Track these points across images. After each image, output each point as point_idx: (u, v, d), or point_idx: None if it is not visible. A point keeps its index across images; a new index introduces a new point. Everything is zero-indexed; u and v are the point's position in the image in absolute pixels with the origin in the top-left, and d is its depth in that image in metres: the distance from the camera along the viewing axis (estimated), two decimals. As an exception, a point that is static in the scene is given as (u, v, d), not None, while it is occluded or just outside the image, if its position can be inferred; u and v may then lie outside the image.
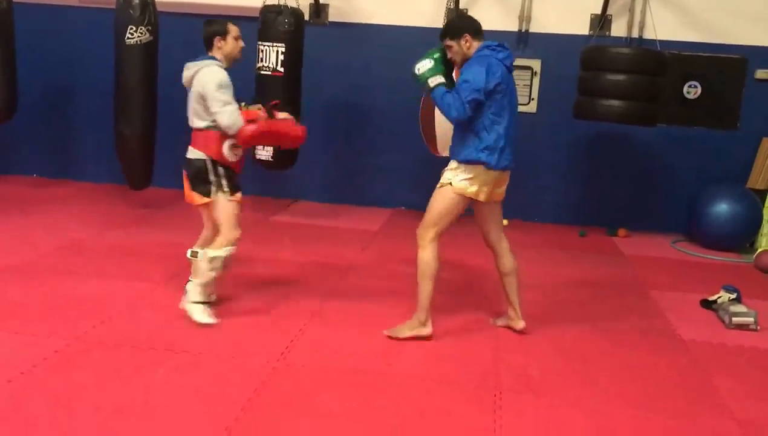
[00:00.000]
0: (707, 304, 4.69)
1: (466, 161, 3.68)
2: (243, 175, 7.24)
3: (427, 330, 3.83)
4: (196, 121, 3.85)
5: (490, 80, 3.59)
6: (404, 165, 7.12)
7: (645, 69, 5.89)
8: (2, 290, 4.22)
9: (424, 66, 3.72)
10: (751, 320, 4.35)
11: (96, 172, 7.60)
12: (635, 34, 6.79)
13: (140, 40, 5.88)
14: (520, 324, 4.02)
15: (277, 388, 3.20)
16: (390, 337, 3.81)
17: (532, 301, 4.66)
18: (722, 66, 6.74)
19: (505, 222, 6.83)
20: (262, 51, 6.04)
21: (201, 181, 3.82)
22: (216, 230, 3.94)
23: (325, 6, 7.08)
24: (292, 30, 6.01)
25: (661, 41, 6.33)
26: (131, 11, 5.85)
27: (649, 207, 7.08)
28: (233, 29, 3.87)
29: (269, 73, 6.02)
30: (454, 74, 3.87)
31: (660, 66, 6.00)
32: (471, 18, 3.90)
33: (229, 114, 3.71)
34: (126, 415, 2.87)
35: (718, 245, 6.35)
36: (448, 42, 3.77)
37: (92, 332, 3.67)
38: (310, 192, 7.46)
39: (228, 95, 3.74)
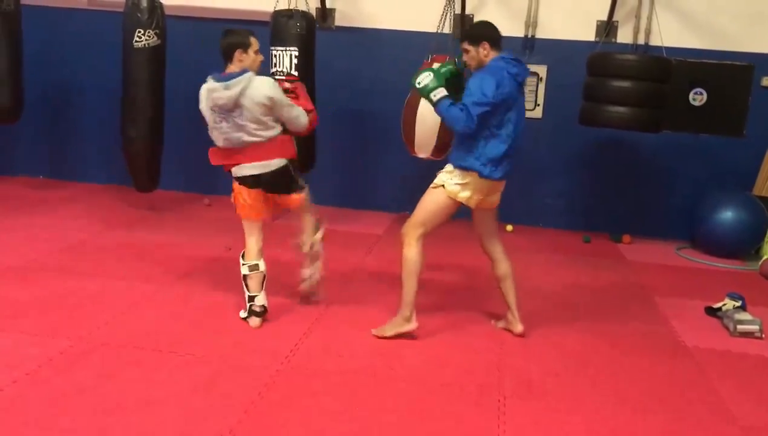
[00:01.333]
0: (712, 311, 4.68)
1: (462, 167, 3.72)
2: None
3: (411, 326, 3.87)
4: (262, 133, 3.80)
5: (498, 93, 3.61)
6: (410, 170, 7.13)
7: (651, 75, 5.88)
8: (7, 290, 4.24)
9: (424, 79, 3.73)
10: (756, 327, 4.34)
11: (101, 174, 7.63)
12: (641, 41, 6.78)
13: (148, 44, 5.91)
14: (519, 327, 4.05)
15: (280, 390, 3.21)
16: (377, 336, 3.87)
17: (535, 306, 4.66)
18: (728, 73, 6.73)
19: (510, 227, 6.95)
20: (276, 55, 6.05)
21: (290, 181, 4.02)
22: (258, 239, 4.03)
23: (332, 10, 7.10)
24: (304, 33, 6.03)
25: (667, 48, 6.32)
26: (139, 15, 5.88)
27: (653, 213, 7.07)
28: (255, 43, 3.80)
29: (284, 77, 6.03)
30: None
31: (666, 73, 6.00)
32: (493, 27, 3.88)
33: (303, 115, 3.92)
34: (129, 416, 2.89)
35: (722, 252, 6.33)
36: (467, 46, 3.80)
37: (96, 332, 3.68)
38: (315, 196, 7.43)
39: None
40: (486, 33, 3.82)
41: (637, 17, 6.76)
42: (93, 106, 7.51)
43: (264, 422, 2.93)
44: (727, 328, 4.44)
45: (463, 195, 3.74)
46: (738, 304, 4.59)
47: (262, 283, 3.94)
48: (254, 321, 3.91)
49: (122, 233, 5.74)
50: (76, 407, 2.93)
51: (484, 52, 3.77)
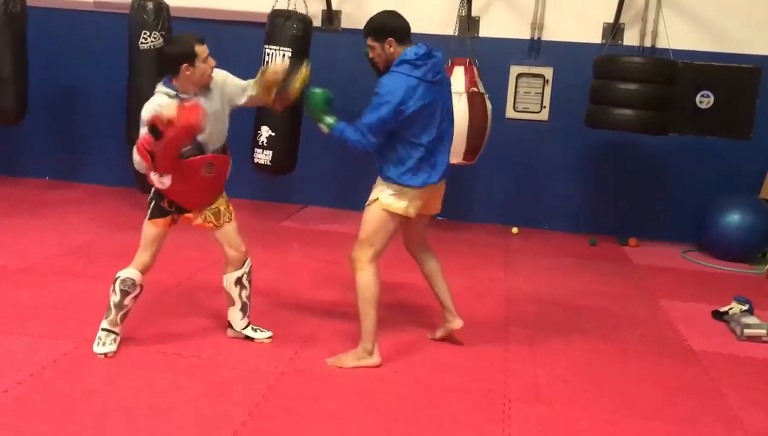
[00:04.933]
0: (719, 315, 4.65)
1: (391, 180, 3.46)
2: (251, 180, 7.23)
3: (374, 360, 3.53)
4: None
5: (403, 110, 3.31)
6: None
7: (657, 78, 5.87)
8: (12, 291, 4.25)
9: (311, 113, 3.57)
10: (763, 331, 4.31)
11: (107, 176, 7.64)
12: (648, 43, 6.76)
13: (154, 45, 5.91)
14: (458, 323, 3.80)
15: (285, 393, 3.20)
16: (335, 366, 3.52)
17: (541, 309, 4.65)
18: (736, 76, 6.70)
19: (515, 230, 6.93)
20: (268, 54, 6.05)
21: (148, 202, 3.59)
22: (231, 250, 3.70)
23: (338, 13, 7.11)
24: (300, 35, 6.04)
25: (674, 50, 6.31)
26: (145, 16, 5.89)
27: (660, 217, 7.04)
28: (201, 50, 3.34)
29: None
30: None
31: (672, 75, 5.98)
32: (398, 18, 3.49)
33: (135, 156, 3.31)
34: (133, 418, 2.88)
35: (729, 256, 6.30)
36: (371, 42, 3.45)
37: (102, 335, 3.68)
38: (320, 198, 7.47)
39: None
40: (390, 27, 3.44)
41: (644, 20, 6.74)
42: (99, 108, 7.53)
43: (268, 425, 2.93)
44: (734, 332, 4.41)
45: (399, 206, 3.45)
46: (745, 308, 4.57)
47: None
48: None
49: (128, 235, 5.72)
50: (80, 409, 2.93)
51: (391, 50, 3.41)
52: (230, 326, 3.80)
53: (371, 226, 3.51)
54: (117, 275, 3.50)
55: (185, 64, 3.32)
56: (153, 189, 3.54)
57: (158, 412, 2.95)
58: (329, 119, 3.54)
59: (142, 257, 3.56)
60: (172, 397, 3.09)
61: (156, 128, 3.17)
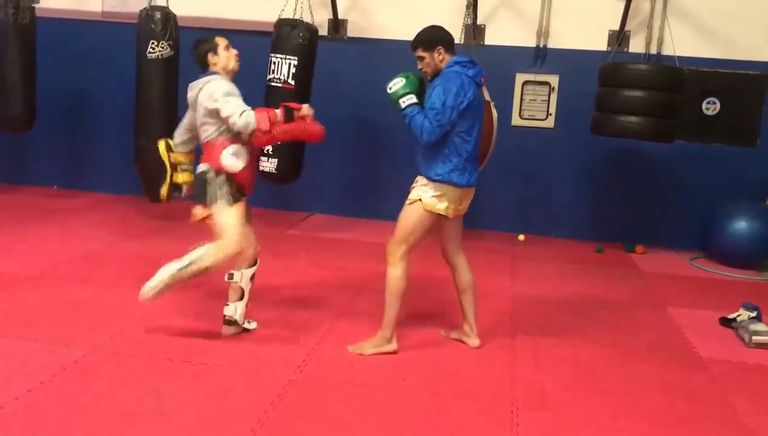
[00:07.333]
0: (726, 322, 4.65)
1: (436, 180, 3.65)
2: (257, 188, 7.30)
3: (391, 347, 3.81)
4: (202, 134, 3.78)
5: (462, 101, 3.55)
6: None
7: (663, 85, 5.88)
8: (22, 299, 4.27)
9: (396, 84, 3.65)
10: (771, 338, 4.30)
11: (114, 184, 7.69)
12: (654, 51, 6.78)
13: (161, 55, 5.96)
14: (475, 341, 3.99)
15: (293, 401, 3.21)
16: (355, 353, 3.78)
17: (548, 316, 4.65)
18: (741, 82, 6.71)
19: (522, 237, 6.94)
20: (274, 63, 6.09)
21: (200, 190, 3.77)
22: (251, 248, 3.94)
23: (344, 21, 7.14)
24: (306, 44, 6.07)
25: (679, 57, 6.31)
26: (153, 26, 5.94)
27: (667, 224, 7.04)
28: (221, 41, 3.80)
29: (280, 85, 6.08)
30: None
31: (678, 82, 5.98)
32: (444, 30, 3.78)
33: (243, 116, 3.57)
34: (143, 426, 2.89)
35: (737, 263, 6.29)
36: (421, 53, 3.70)
37: (110, 342, 3.70)
38: (327, 205, 7.49)
39: (238, 100, 3.64)
40: (439, 37, 3.71)
41: (650, 27, 6.76)
42: (107, 117, 7.59)
43: (277, 432, 2.93)
44: (742, 339, 4.40)
45: (441, 206, 3.67)
46: (753, 314, 4.56)
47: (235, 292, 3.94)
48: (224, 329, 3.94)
49: (136, 243, 5.78)
50: (90, 416, 2.94)
51: (440, 57, 3.67)
52: (232, 323, 3.89)
53: (409, 225, 3.71)
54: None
55: (210, 53, 3.76)
56: (219, 179, 3.71)
57: (167, 420, 2.96)
58: (410, 99, 3.62)
59: (232, 246, 3.78)
60: (181, 404, 3.10)
61: (291, 112, 3.68)
